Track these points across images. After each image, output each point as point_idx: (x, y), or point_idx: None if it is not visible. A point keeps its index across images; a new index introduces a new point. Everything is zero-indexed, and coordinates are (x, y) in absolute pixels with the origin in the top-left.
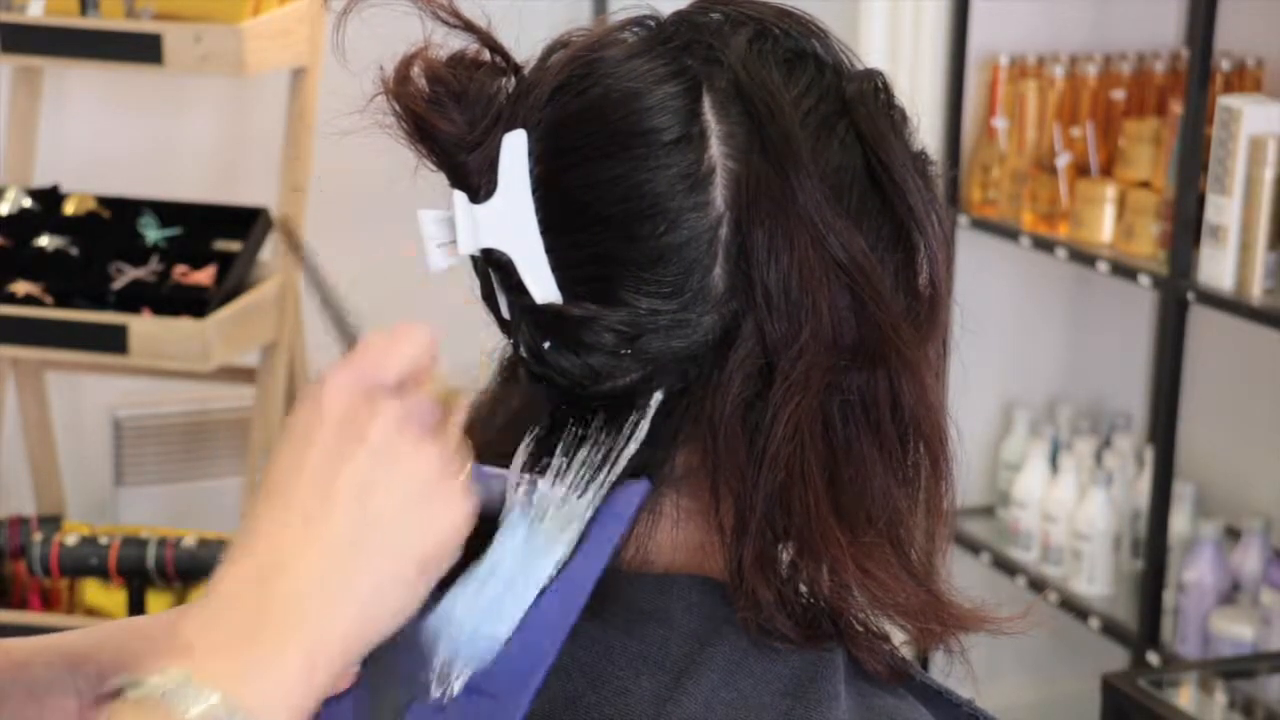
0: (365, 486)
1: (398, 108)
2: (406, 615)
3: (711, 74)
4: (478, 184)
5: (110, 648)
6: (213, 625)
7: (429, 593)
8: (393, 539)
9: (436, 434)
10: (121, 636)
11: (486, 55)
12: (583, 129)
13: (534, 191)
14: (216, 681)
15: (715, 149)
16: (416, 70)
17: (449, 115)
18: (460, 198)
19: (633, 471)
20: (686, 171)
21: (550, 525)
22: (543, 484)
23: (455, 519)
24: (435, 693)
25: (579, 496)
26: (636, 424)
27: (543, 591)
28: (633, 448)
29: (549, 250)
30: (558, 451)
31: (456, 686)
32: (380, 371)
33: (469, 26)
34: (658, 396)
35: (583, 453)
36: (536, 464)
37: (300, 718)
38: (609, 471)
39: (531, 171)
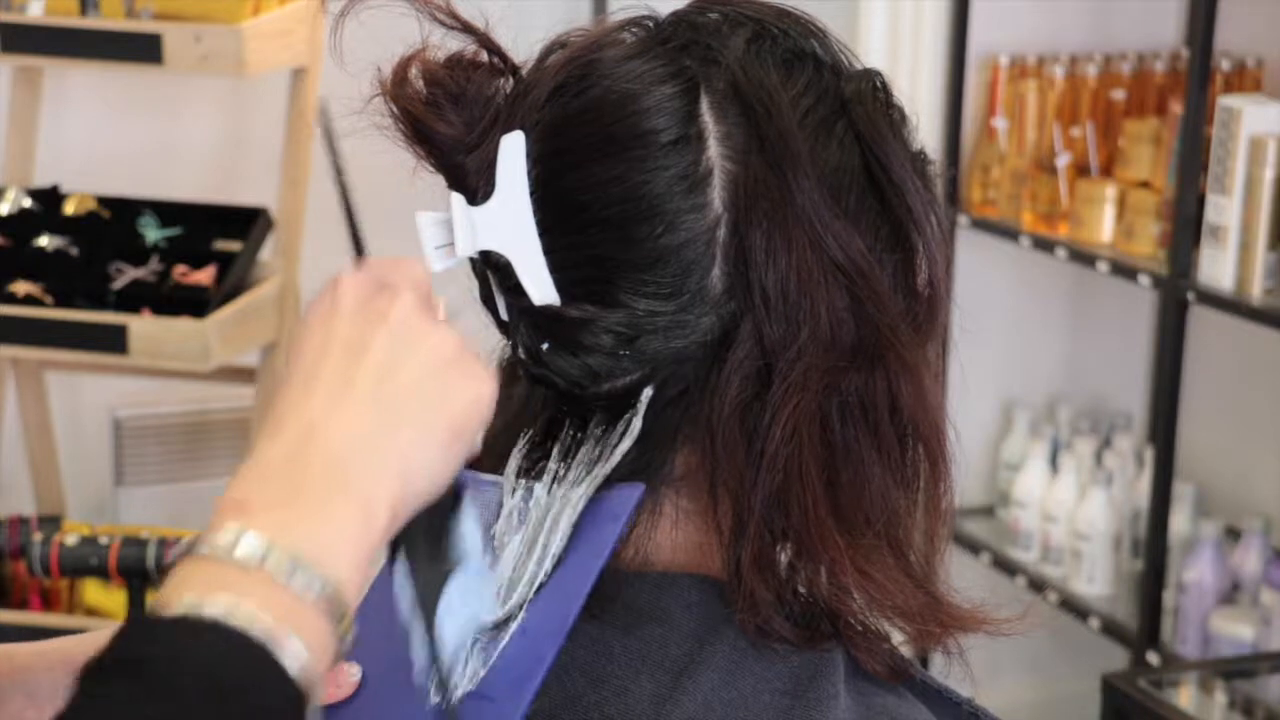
0: (390, 361)
1: (395, 109)
2: (443, 481)
3: (709, 75)
4: (476, 185)
5: None
6: (261, 487)
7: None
8: (421, 406)
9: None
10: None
11: (484, 56)
12: (580, 130)
13: (532, 193)
14: (275, 536)
15: (713, 150)
16: (414, 72)
17: (446, 117)
18: (458, 199)
19: (631, 472)
20: (684, 173)
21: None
22: (539, 489)
23: (481, 390)
24: (434, 699)
25: (574, 487)
26: (630, 421)
27: (540, 588)
28: (627, 443)
29: (547, 252)
30: (554, 455)
31: (457, 694)
32: (391, 270)
33: (467, 28)
34: (648, 392)
35: (581, 452)
36: (533, 468)
37: (360, 571)
38: (603, 466)
39: (529, 173)
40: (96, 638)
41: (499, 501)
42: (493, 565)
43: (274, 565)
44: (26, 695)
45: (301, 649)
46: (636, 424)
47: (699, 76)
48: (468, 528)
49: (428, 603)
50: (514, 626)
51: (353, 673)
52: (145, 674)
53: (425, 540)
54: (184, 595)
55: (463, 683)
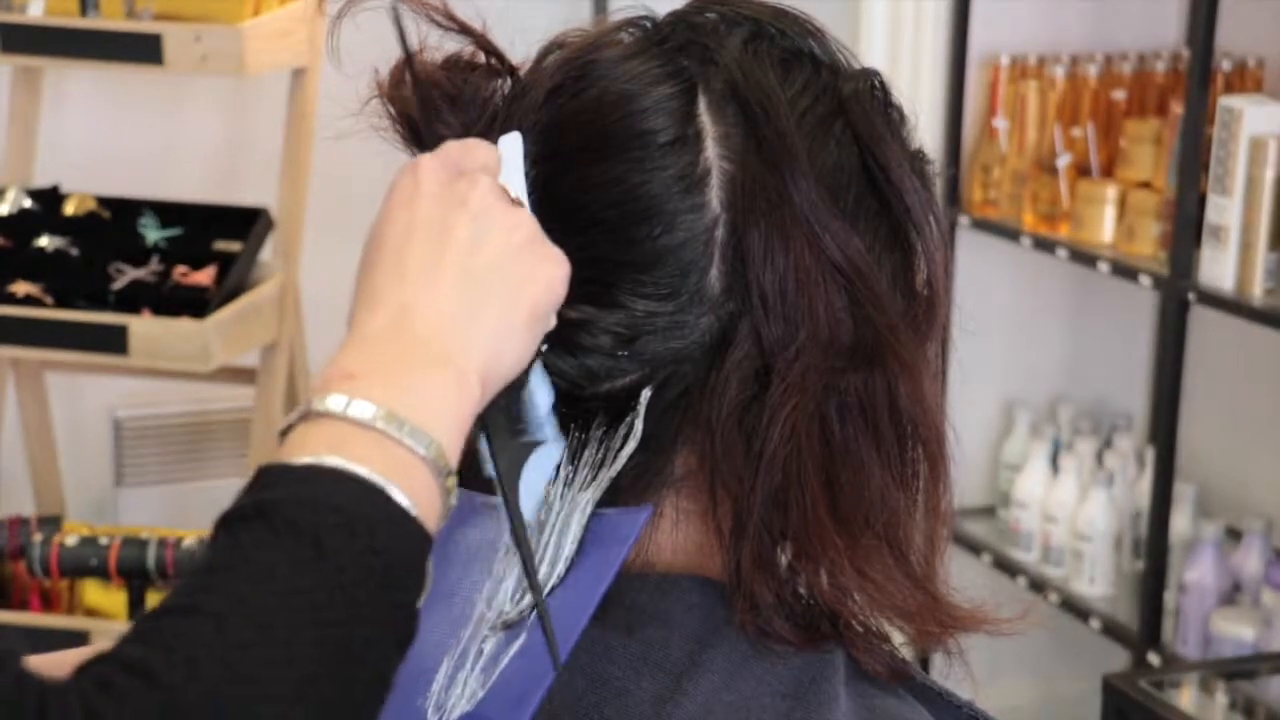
0: (473, 244)
1: (393, 111)
2: (525, 358)
3: (707, 75)
4: None
5: None
6: (363, 359)
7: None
8: (504, 286)
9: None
10: None
11: (481, 57)
12: (578, 131)
13: (530, 194)
14: (383, 399)
15: (711, 150)
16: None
17: (444, 118)
18: None
19: (633, 474)
20: (682, 173)
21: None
22: (550, 493)
23: (556, 271)
24: (432, 718)
25: (581, 490)
26: (632, 424)
27: (551, 591)
28: (631, 445)
29: None
30: (562, 462)
31: (454, 714)
32: (465, 156)
33: (464, 29)
34: (646, 394)
35: (585, 454)
36: None
37: (458, 437)
38: (608, 470)
39: (528, 174)
40: (94, 651)
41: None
42: (507, 575)
43: (385, 424)
44: None
45: (418, 491)
46: (638, 426)
47: (696, 77)
48: (542, 401)
49: (510, 475)
50: (515, 647)
51: None
52: (275, 516)
53: (505, 416)
54: (304, 450)
55: (460, 703)
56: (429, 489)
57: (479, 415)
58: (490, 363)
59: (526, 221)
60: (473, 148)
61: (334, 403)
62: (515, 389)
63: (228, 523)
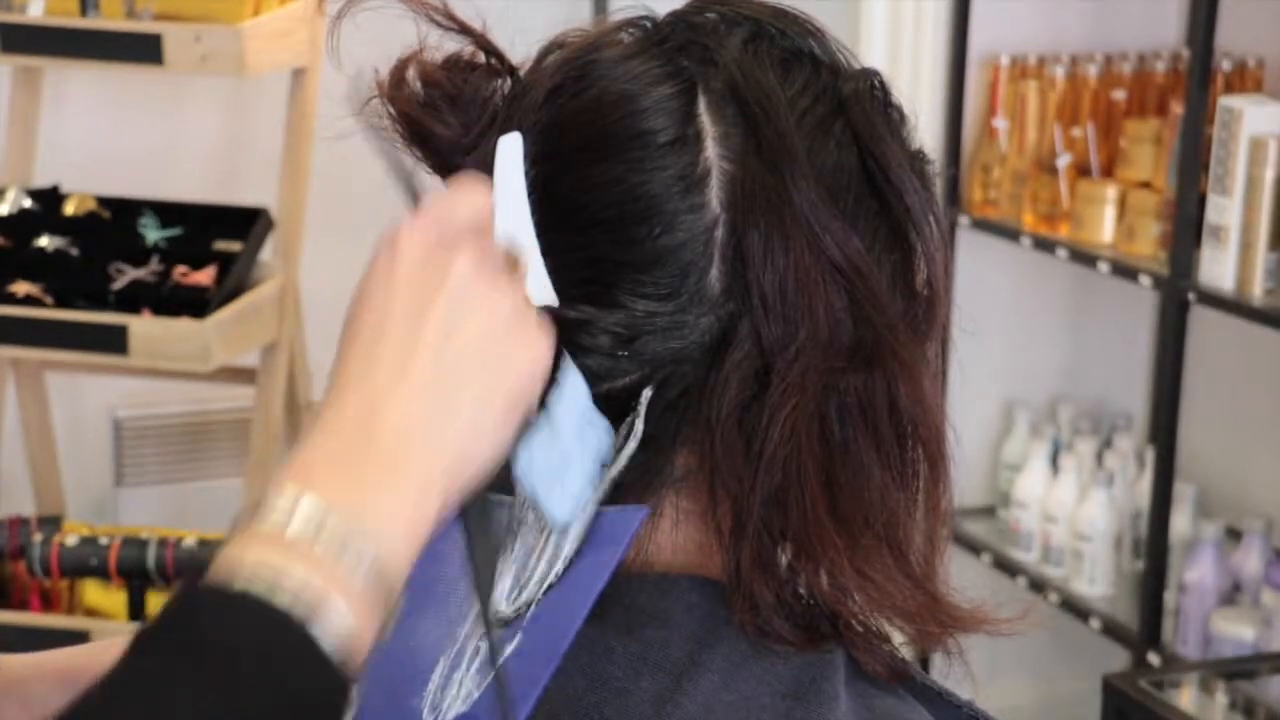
0: (449, 328)
1: (393, 111)
2: (500, 453)
3: (707, 75)
4: None
5: (108, 663)
6: (324, 456)
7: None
8: (479, 376)
9: (508, 277)
10: (119, 653)
11: (481, 57)
12: (578, 131)
13: (530, 194)
14: (333, 503)
15: (710, 150)
16: (411, 73)
17: (444, 118)
18: None
19: (634, 471)
20: (682, 173)
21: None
22: None
23: (536, 355)
24: (427, 718)
25: None
26: (632, 424)
27: (549, 589)
28: (632, 445)
29: (545, 253)
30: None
31: (450, 714)
32: (449, 219)
33: (464, 29)
34: (646, 394)
35: None
36: None
37: (413, 544)
38: (609, 469)
39: (528, 174)
40: (93, 649)
41: (510, 519)
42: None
43: (328, 538)
44: (21, 704)
45: (345, 624)
46: (639, 426)
47: (696, 77)
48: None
49: (486, 570)
50: (511, 648)
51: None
52: (192, 646)
53: (481, 512)
54: (240, 564)
55: (455, 703)
56: (368, 610)
57: (460, 507)
58: (461, 463)
59: (504, 301)
60: (458, 200)
61: (282, 503)
62: (494, 485)
63: (144, 641)
